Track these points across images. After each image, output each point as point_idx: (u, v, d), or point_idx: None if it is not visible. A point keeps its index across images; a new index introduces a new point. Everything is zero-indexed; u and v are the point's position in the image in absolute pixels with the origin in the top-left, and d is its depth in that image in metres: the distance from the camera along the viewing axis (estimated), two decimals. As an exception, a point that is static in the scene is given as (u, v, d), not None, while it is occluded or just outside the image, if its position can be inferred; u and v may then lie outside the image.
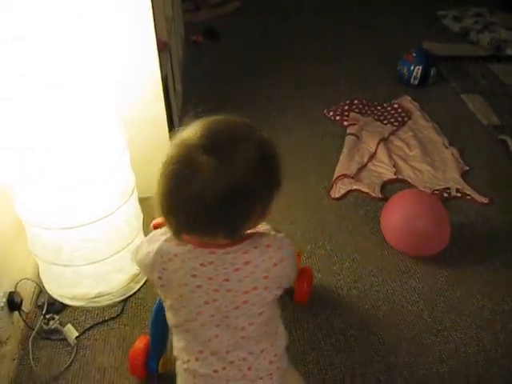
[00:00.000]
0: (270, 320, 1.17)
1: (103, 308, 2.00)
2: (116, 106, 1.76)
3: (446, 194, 2.53)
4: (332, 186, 2.57)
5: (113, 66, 1.97)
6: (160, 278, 1.13)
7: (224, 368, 1.15)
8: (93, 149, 1.63)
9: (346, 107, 3.10)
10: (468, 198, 2.53)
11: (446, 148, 2.83)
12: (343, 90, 3.35)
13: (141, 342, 1.71)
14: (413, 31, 4.10)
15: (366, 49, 3.86)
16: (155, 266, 1.12)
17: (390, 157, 2.74)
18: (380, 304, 2.05)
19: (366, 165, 2.69)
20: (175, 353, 1.21)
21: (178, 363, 1.20)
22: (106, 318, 1.96)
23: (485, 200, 2.54)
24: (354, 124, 2.94)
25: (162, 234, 1.12)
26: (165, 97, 2.27)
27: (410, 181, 2.59)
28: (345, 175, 2.59)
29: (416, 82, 3.32)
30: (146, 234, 1.97)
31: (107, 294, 1.97)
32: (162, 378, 1.74)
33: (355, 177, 2.60)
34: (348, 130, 2.91)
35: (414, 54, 3.29)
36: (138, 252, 1.18)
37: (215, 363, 1.15)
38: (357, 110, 3.06)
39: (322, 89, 3.37)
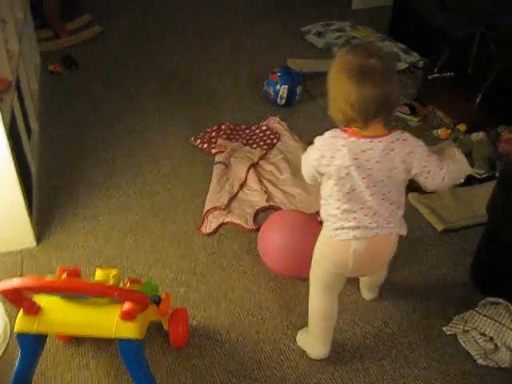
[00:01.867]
0: (400, 194, 1.66)
1: None
2: None
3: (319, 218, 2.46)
4: (203, 221, 2.42)
5: None
6: (327, 163, 1.55)
7: (375, 220, 1.61)
8: None
9: (214, 133, 2.97)
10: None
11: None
12: (210, 114, 3.22)
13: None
14: (278, 49, 4.06)
15: (232, 70, 3.76)
16: (326, 155, 1.55)
17: (261, 183, 2.64)
18: (261, 345, 1.94)
19: (236, 194, 2.58)
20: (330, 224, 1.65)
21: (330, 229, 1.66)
22: None
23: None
24: (222, 151, 2.81)
25: (322, 138, 1.59)
26: (15, 141, 2.12)
27: (282, 207, 2.51)
28: (215, 208, 2.45)
29: (283, 101, 3.26)
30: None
31: None
32: None
33: (226, 208, 2.47)
34: (216, 159, 2.78)
35: (279, 74, 3.23)
36: (307, 153, 1.65)
37: (368, 218, 1.60)
38: (224, 136, 2.94)
39: (187, 115, 3.22)
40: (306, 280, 2.10)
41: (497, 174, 2.81)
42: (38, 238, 2.31)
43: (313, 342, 1.87)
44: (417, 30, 4.01)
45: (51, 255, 2.25)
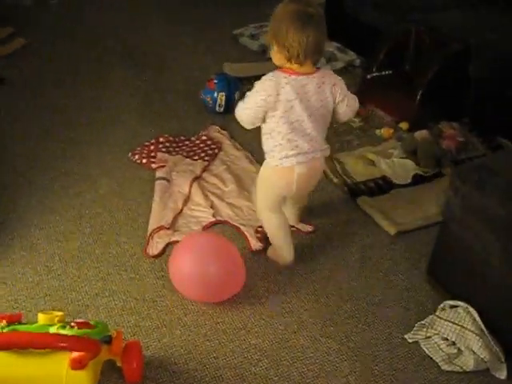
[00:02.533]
0: (328, 121, 2.03)
1: None
2: None
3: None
4: (148, 242, 2.29)
5: None
6: (275, 100, 1.88)
7: (312, 146, 1.97)
8: None
9: (152, 147, 2.83)
10: (292, 229, 2.39)
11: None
12: (147, 126, 3.07)
13: None
14: (213, 54, 3.94)
15: (166, 78, 3.62)
16: (271, 93, 1.87)
17: (206, 197, 2.53)
18: (221, 372, 1.84)
19: (181, 210, 2.46)
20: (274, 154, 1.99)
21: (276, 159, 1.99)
22: None
23: (309, 228, 2.43)
24: (163, 166, 2.68)
25: (265, 80, 1.91)
26: None
27: (230, 221, 2.41)
28: (160, 227, 2.32)
29: (221, 109, 3.16)
30: None
31: None
32: None
33: (172, 227, 2.35)
34: (157, 174, 2.64)
35: (216, 81, 3.12)
36: (249, 98, 1.99)
37: (307, 145, 1.96)
38: (164, 149, 2.81)
39: (123, 128, 3.06)
40: (261, 298, 2.04)
41: (443, 171, 2.80)
42: (-29, 273, 2.12)
43: (278, 252, 2.19)
44: (351, 28, 3.98)
45: (-14, 292, 2.07)
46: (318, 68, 1.93)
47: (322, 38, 1.85)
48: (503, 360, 1.90)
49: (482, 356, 1.89)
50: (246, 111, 1.99)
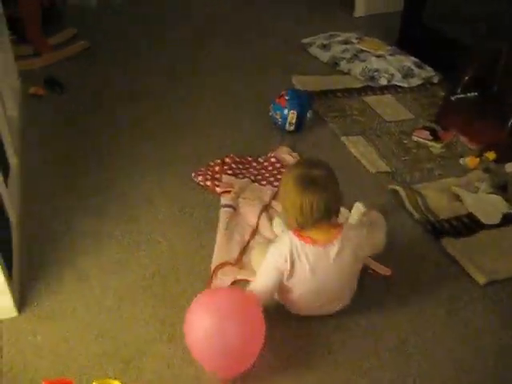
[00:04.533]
0: (354, 272, 1.95)
1: None
2: None
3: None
4: (211, 279, 2.09)
5: None
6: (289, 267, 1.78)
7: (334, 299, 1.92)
8: None
9: (217, 168, 2.64)
10: (369, 271, 2.16)
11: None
12: (211, 144, 2.88)
13: None
14: (281, 64, 3.73)
15: (231, 91, 3.43)
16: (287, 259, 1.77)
17: (276, 229, 2.31)
18: None
19: (248, 244, 2.25)
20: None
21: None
22: None
23: (387, 271, 2.19)
24: (229, 191, 2.48)
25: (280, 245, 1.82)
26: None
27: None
28: (225, 263, 2.12)
29: (292, 127, 2.94)
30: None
31: None
32: None
33: (238, 263, 2.15)
34: (222, 200, 2.45)
35: (287, 97, 2.91)
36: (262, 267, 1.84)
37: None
38: (230, 171, 2.61)
39: (185, 144, 2.88)
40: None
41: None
42: (20, 305, 1.97)
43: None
44: (430, 40, 3.70)
45: (35, 328, 1.91)
46: (340, 226, 1.84)
47: (331, 198, 1.75)
48: None
49: None
50: (264, 273, 1.83)
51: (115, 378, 1.57)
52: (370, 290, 2.07)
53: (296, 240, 1.78)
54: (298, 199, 1.71)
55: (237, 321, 1.67)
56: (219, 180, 2.56)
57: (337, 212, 1.82)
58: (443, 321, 2.04)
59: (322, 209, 1.72)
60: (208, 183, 2.54)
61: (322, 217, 1.74)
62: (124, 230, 2.32)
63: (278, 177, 2.60)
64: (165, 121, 3.09)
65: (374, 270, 2.18)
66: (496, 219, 2.48)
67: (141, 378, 1.74)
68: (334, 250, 1.78)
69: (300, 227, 1.78)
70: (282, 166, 2.69)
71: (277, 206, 2.45)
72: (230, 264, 2.13)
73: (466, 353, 1.92)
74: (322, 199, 1.71)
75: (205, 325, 1.65)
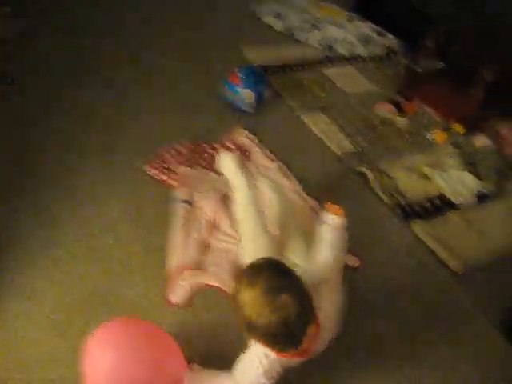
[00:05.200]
0: None
1: None
2: None
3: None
4: (169, 286, 1.90)
5: None
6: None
7: None
8: None
9: (171, 158, 2.42)
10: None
11: (301, 197, 2.30)
12: (164, 131, 2.63)
13: None
14: (231, 37, 3.49)
15: (181, 70, 3.17)
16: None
17: (235, 223, 2.13)
18: None
19: (207, 242, 2.07)
20: None
21: None
22: None
23: (356, 262, 2.05)
24: (184, 184, 2.28)
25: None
26: None
27: (267, 256, 2.00)
28: (183, 266, 1.94)
29: (248, 107, 2.74)
30: None
31: None
32: None
33: (198, 265, 1.96)
34: (177, 195, 2.24)
35: (241, 76, 2.69)
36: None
37: None
38: (184, 161, 2.40)
39: (136, 130, 2.63)
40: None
41: (507, 187, 2.40)
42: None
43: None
44: (391, 7, 3.52)
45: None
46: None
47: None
48: None
49: None
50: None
51: None
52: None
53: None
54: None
55: (140, 353, 1.47)
56: (174, 172, 2.35)
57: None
58: (419, 312, 1.91)
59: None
60: (164, 177, 2.33)
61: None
62: (74, 233, 2.09)
63: (237, 164, 2.40)
64: (108, 107, 2.80)
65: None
66: (468, 199, 2.35)
67: None
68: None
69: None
70: (240, 151, 2.49)
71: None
72: (190, 267, 1.94)
73: (443, 344, 1.80)
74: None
75: (106, 365, 1.44)
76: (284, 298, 1.27)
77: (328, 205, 1.65)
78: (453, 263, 2.06)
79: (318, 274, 1.51)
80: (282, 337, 1.30)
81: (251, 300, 1.28)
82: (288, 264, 1.41)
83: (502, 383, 1.73)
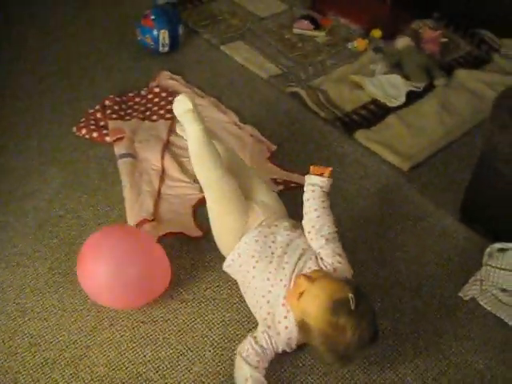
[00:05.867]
0: None
1: None
2: None
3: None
4: (132, 241, 1.86)
5: None
6: None
7: None
8: None
9: (99, 114, 2.33)
10: (292, 185, 2.04)
11: (240, 128, 2.28)
12: (87, 90, 2.51)
13: None
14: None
15: (91, 23, 2.99)
16: None
17: (184, 166, 2.11)
18: None
19: (160, 192, 2.03)
20: None
21: None
22: None
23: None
24: (121, 138, 2.21)
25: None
26: None
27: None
28: (142, 221, 1.90)
29: (166, 48, 2.66)
30: None
31: None
32: None
33: (156, 216, 1.93)
34: (116, 150, 2.17)
35: (153, 17, 2.59)
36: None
37: None
38: (114, 115, 2.32)
39: (55, 96, 2.49)
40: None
41: (436, 83, 2.47)
42: None
43: None
44: None
45: None
46: None
47: None
48: None
49: (548, 300, 1.66)
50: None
51: None
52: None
53: None
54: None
55: (133, 258, 1.58)
56: (105, 128, 2.26)
57: None
58: (379, 217, 1.97)
59: None
60: (94, 135, 2.24)
61: None
62: (19, 210, 1.99)
63: (168, 107, 2.34)
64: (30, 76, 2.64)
65: (296, 183, 2.05)
66: (400, 100, 2.41)
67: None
68: None
69: None
70: (169, 94, 2.43)
71: (177, 141, 2.22)
72: (148, 220, 1.91)
73: (410, 242, 1.89)
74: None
75: (101, 270, 1.54)
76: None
77: (313, 168, 1.67)
78: (399, 163, 2.12)
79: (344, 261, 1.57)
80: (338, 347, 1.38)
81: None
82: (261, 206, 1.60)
83: (463, 274, 1.80)
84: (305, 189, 1.66)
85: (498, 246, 1.78)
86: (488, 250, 1.79)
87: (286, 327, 1.47)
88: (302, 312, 1.42)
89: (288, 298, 1.48)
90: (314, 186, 1.63)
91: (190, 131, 1.76)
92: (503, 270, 1.72)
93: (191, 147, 1.76)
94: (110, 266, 1.55)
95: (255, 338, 1.48)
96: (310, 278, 1.44)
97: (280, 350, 1.50)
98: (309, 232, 1.60)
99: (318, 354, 1.45)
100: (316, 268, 1.52)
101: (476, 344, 1.63)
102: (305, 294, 1.41)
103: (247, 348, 1.47)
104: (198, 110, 1.79)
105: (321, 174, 1.64)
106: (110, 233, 1.67)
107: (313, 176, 1.64)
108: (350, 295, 1.36)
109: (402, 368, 1.56)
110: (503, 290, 1.73)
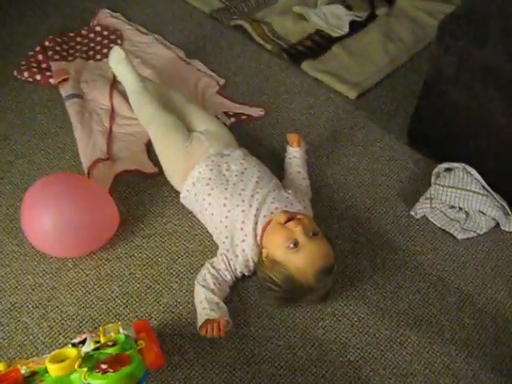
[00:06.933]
0: None
1: None
2: None
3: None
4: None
5: None
6: None
7: None
8: None
9: (40, 56, 2.25)
10: (244, 117, 2.06)
11: (187, 64, 2.27)
12: (24, 34, 2.40)
13: None
14: None
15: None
16: None
17: (133, 105, 2.08)
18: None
19: (111, 131, 2.01)
20: None
21: None
22: None
23: (260, 111, 2.10)
24: (65, 79, 2.15)
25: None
26: None
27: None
28: (96, 161, 1.89)
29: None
30: None
31: None
32: None
33: (110, 155, 1.92)
34: (62, 92, 2.12)
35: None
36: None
37: None
38: (57, 56, 2.24)
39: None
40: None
41: (378, 12, 2.50)
42: None
43: None
44: None
45: None
46: None
47: None
48: (510, 212, 1.79)
49: (491, 215, 1.78)
50: None
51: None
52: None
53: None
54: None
55: (78, 202, 1.57)
56: (49, 70, 2.20)
57: None
58: (331, 145, 2.02)
59: None
60: (38, 77, 2.17)
61: None
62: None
63: (111, 45, 2.27)
64: None
65: (247, 115, 2.08)
66: (344, 29, 2.43)
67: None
68: None
69: None
70: (111, 33, 2.37)
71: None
72: (102, 160, 1.89)
73: (361, 167, 1.96)
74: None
75: (46, 218, 1.52)
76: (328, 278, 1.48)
77: (289, 136, 1.83)
78: (346, 91, 2.16)
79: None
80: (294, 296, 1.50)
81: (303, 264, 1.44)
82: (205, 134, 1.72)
83: (413, 194, 1.89)
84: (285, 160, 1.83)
85: (444, 166, 1.86)
86: (436, 170, 1.87)
87: (243, 250, 1.54)
88: (284, 258, 1.46)
89: (269, 235, 1.52)
90: (292, 157, 1.81)
91: (125, 81, 1.92)
92: (450, 187, 1.81)
93: (128, 95, 1.92)
94: (52, 215, 1.52)
95: (212, 262, 1.55)
96: (305, 227, 1.47)
97: (239, 273, 1.56)
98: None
99: (267, 288, 1.51)
100: (279, 201, 1.58)
101: (429, 258, 1.72)
102: (300, 250, 1.45)
103: (204, 273, 1.53)
104: (129, 59, 1.92)
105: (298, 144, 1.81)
106: (47, 183, 1.61)
107: (290, 148, 1.82)
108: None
109: (361, 284, 1.64)
110: (451, 207, 1.82)
